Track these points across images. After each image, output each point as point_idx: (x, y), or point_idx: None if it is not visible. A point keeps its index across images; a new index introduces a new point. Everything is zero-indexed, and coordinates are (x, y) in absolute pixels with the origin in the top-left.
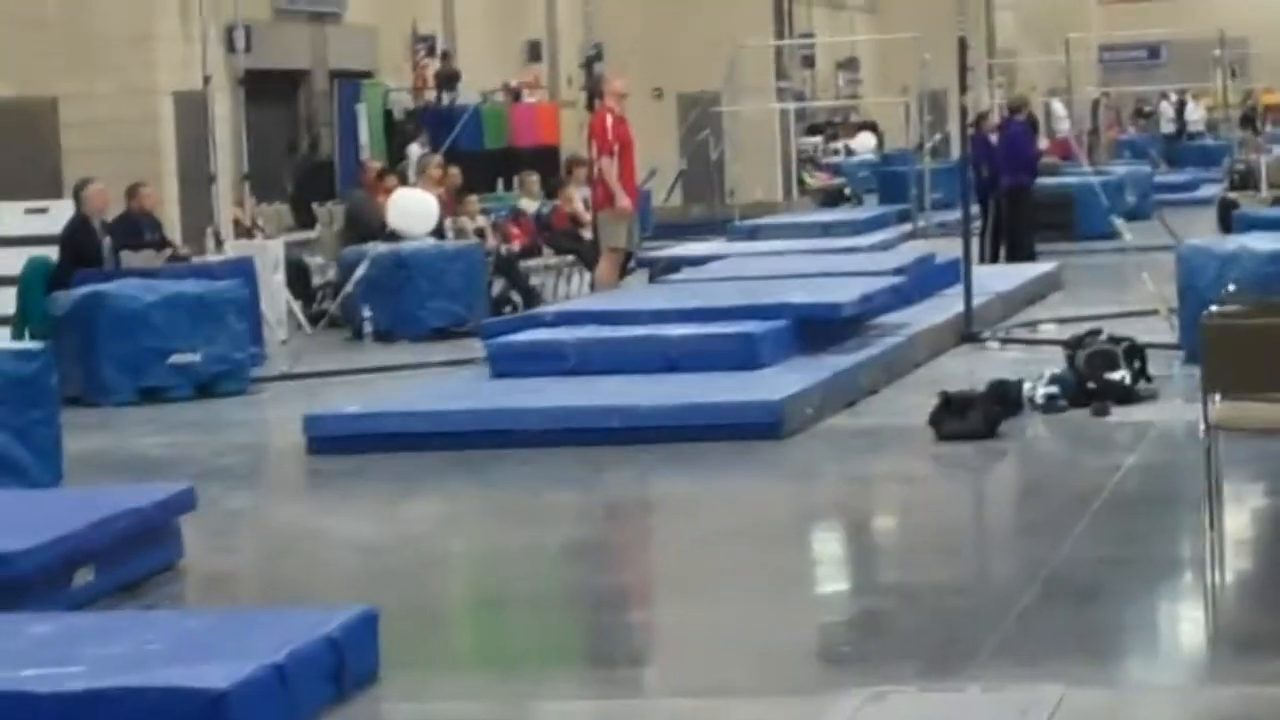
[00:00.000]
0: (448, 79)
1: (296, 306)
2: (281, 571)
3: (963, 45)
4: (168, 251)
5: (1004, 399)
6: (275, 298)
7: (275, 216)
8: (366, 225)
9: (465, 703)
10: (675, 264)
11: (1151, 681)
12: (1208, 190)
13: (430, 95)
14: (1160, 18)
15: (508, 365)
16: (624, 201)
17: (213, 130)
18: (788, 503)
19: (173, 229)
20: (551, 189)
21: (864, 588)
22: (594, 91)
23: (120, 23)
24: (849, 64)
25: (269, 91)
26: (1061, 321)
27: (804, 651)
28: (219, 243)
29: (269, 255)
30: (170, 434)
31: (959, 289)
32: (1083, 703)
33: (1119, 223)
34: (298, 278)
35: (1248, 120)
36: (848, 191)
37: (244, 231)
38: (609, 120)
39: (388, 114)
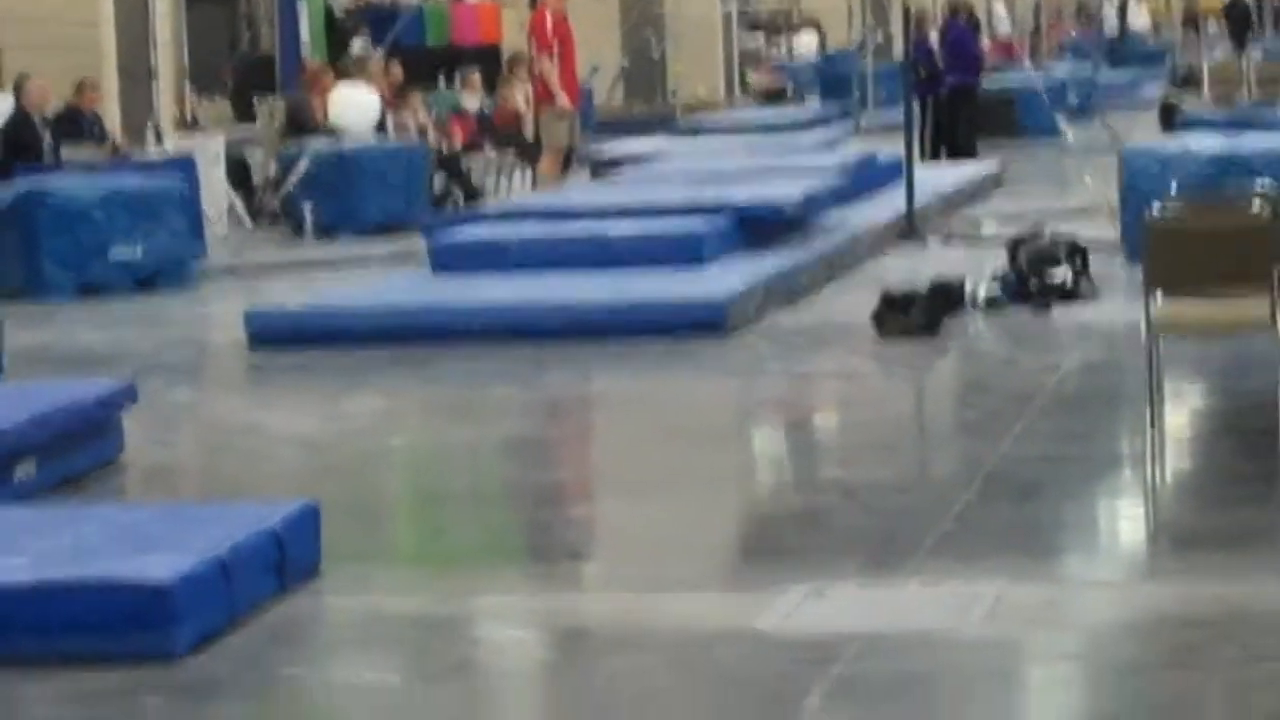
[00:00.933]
0: None
1: (237, 201)
2: (223, 466)
3: None
4: (109, 146)
5: (946, 297)
6: (216, 193)
7: (215, 112)
8: (306, 122)
9: (406, 597)
10: (617, 161)
11: (1090, 578)
12: (1150, 91)
13: None
14: None
15: (449, 261)
16: (564, 101)
17: (154, 27)
18: (729, 400)
19: (114, 124)
20: (493, 86)
21: (804, 484)
22: None
23: None
24: None
25: None
26: (1004, 219)
27: (744, 547)
28: (159, 138)
29: (210, 151)
30: (111, 329)
31: (901, 187)
32: (1021, 599)
33: (1062, 122)
34: (238, 173)
35: (1190, 22)
36: (790, 90)
37: (184, 126)
38: (549, 19)
39: (329, 10)
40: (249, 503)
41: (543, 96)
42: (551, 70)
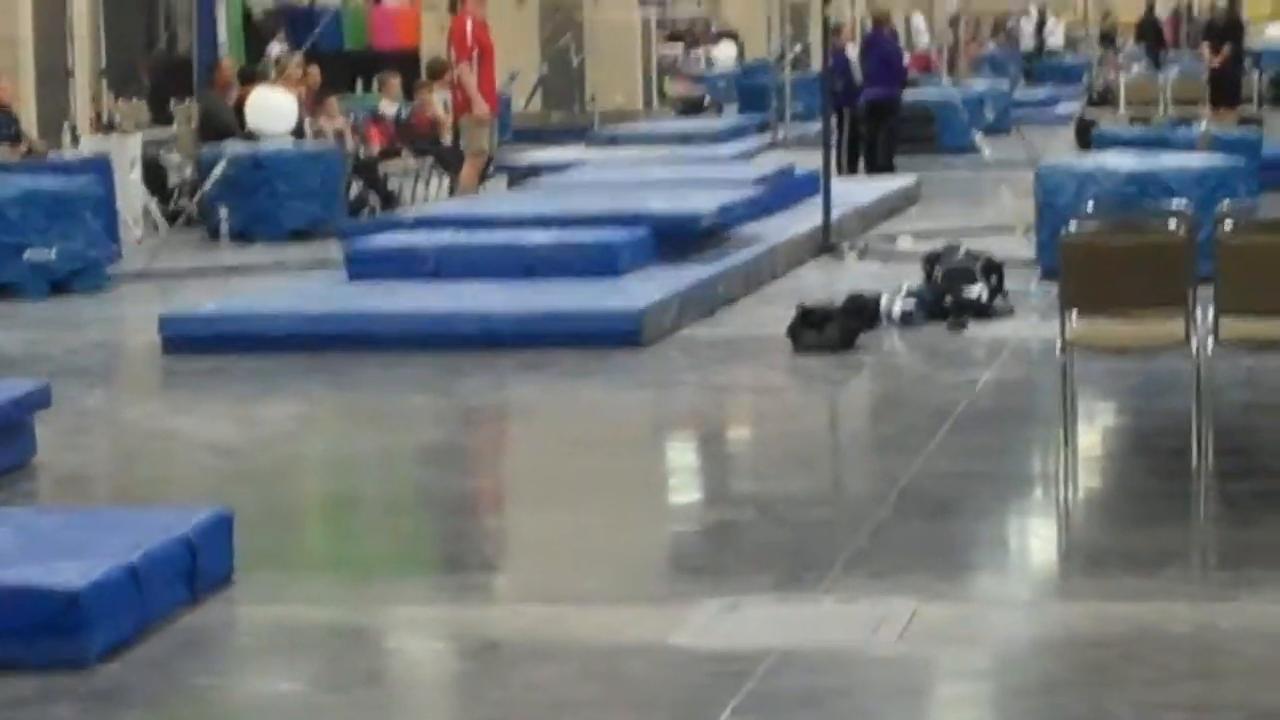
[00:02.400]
0: None
1: (153, 204)
2: (136, 471)
3: None
4: (23, 146)
5: (861, 312)
6: (132, 196)
7: (131, 113)
8: (221, 125)
9: (318, 606)
10: (535, 170)
11: (1004, 596)
12: (1066, 107)
13: None
14: None
15: (365, 268)
16: (482, 108)
17: (71, 25)
18: (645, 412)
19: (29, 124)
20: (412, 91)
21: (719, 498)
22: None
23: None
24: None
25: None
26: (920, 235)
27: (658, 561)
28: (75, 139)
29: (126, 152)
30: (24, 331)
31: (818, 200)
32: (935, 616)
33: (979, 138)
34: (155, 175)
35: (1107, 38)
36: (708, 101)
37: (101, 127)
38: (469, 25)
39: (247, 12)
40: (162, 509)
41: (462, 104)
42: (470, 77)
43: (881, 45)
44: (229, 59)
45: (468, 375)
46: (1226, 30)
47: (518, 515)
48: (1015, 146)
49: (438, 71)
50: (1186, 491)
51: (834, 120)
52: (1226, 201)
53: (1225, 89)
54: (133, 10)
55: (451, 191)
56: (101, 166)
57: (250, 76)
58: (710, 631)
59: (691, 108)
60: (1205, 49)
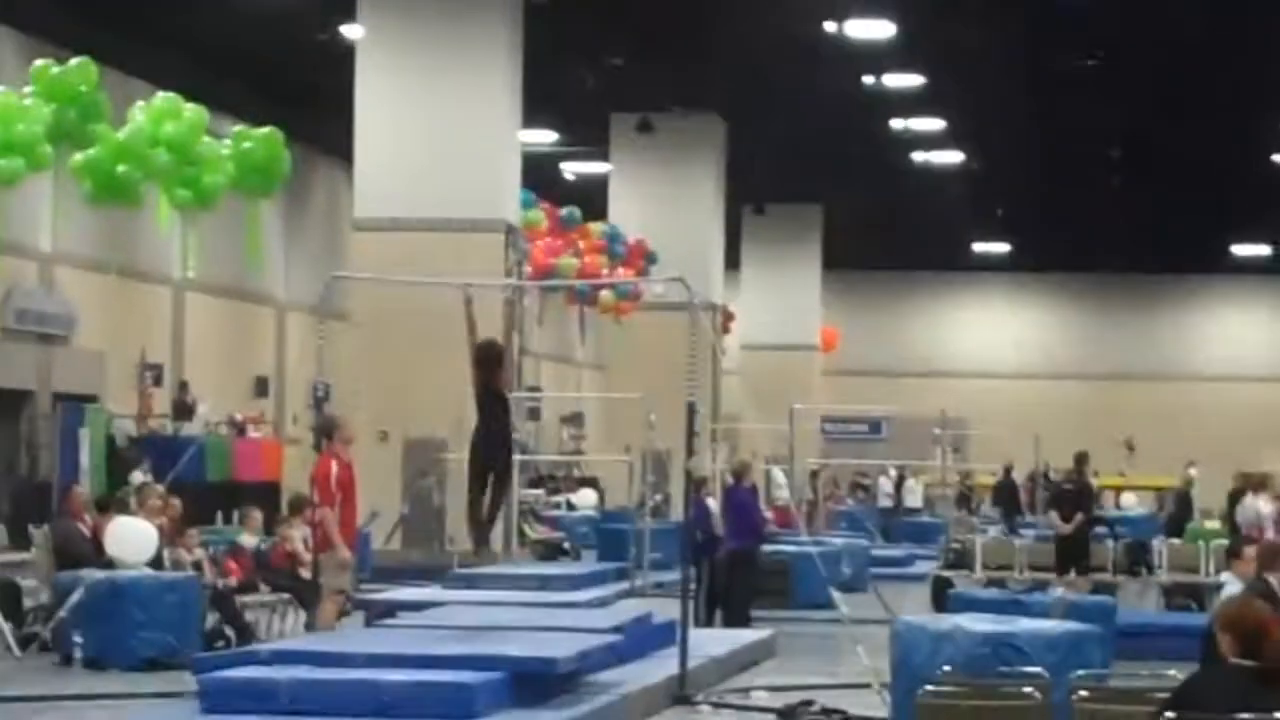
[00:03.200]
0: (185, 409)
1: (7, 629)
2: None
3: (690, 410)
4: None
5: None
6: None
7: None
8: (75, 552)
9: None
10: (392, 608)
11: None
12: (923, 566)
13: (155, 423)
14: (883, 394)
15: (219, 701)
16: (343, 552)
17: None
18: None
19: None
20: (272, 525)
21: None
22: (321, 431)
23: None
24: (574, 419)
25: None
26: (775, 689)
27: None
28: None
29: None
30: None
31: (674, 650)
32: None
33: (835, 594)
34: (9, 599)
35: (964, 499)
36: (567, 546)
37: None
38: (334, 468)
39: (110, 439)
40: None
41: (322, 542)
42: (333, 520)
43: (738, 497)
44: (81, 487)
45: None
46: (1077, 497)
47: None
48: (872, 604)
49: (298, 507)
50: None
51: (693, 570)
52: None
53: (1075, 554)
54: None
55: (309, 627)
56: None
57: (106, 505)
58: None
59: (551, 552)
60: (1054, 516)
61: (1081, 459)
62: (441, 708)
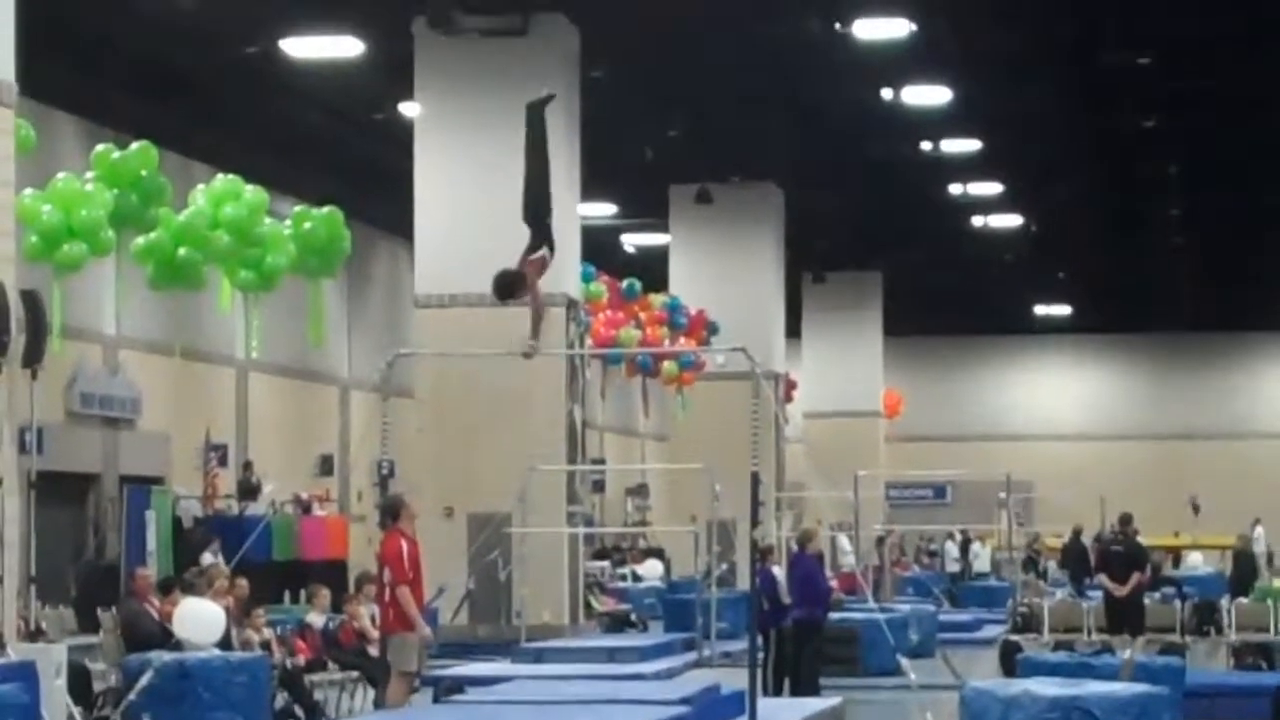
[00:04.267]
0: (249, 489)
1: (77, 713)
2: None
3: (755, 479)
4: None
5: None
6: (56, 704)
7: (58, 620)
8: (143, 634)
9: None
10: (460, 683)
11: None
12: (991, 630)
13: (220, 504)
14: (947, 459)
15: None
16: (426, 632)
17: (1, 532)
18: None
19: None
20: (340, 603)
21: None
22: (387, 511)
23: None
24: (638, 490)
25: (59, 493)
26: None
27: None
28: (2, 645)
29: (52, 659)
30: None
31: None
32: None
33: (903, 661)
34: (79, 682)
35: (1031, 563)
36: (634, 617)
37: (28, 635)
38: (404, 546)
39: (176, 521)
40: None
41: (394, 622)
42: (410, 600)
43: (803, 566)
44: (147, 569)
45: None
46: (1129, 558)
47: None
48: (940, 670)
49: (366, 584)
50: None
51: (761, 639)
52: None
53: (1129, 616)
54: (63, 516)
55: (377, 705)
56: (27, 673)
57: (169, 586)
58: None
59: (617, 624)
60: (1104, 578)
61: (1126, 520)
62: None
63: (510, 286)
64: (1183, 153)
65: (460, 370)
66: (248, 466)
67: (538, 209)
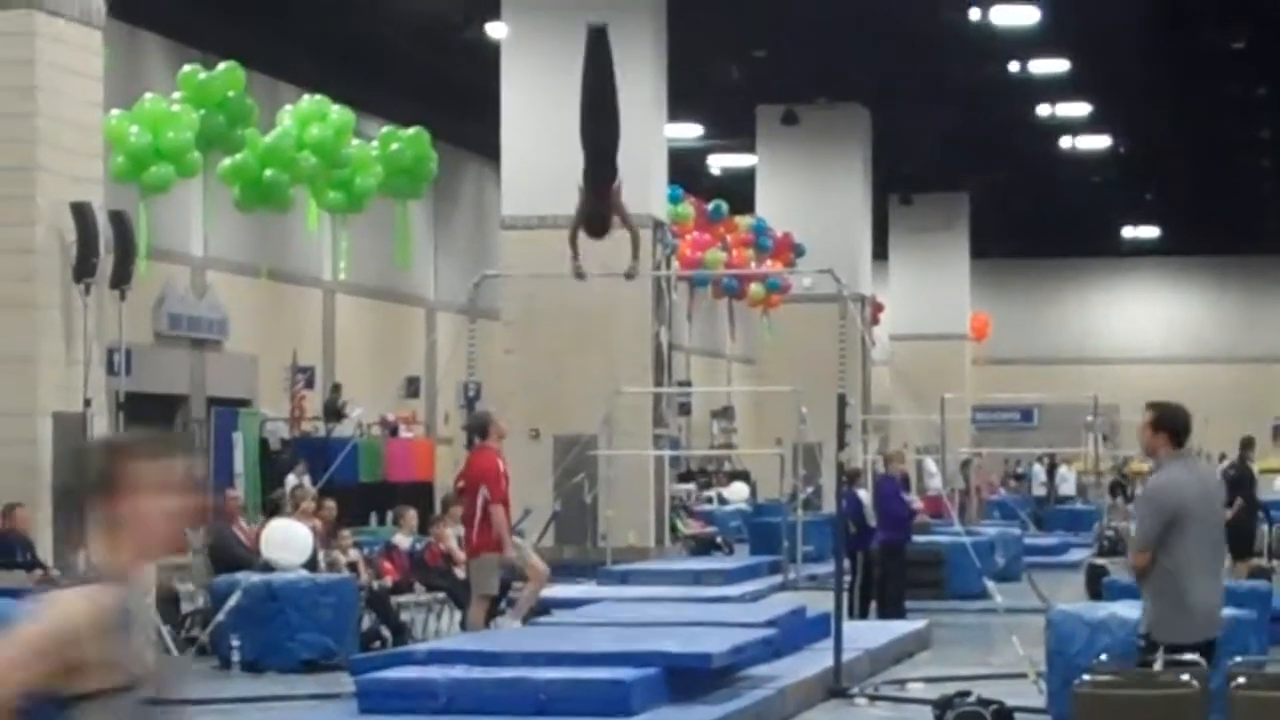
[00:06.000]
0: (336, 411)
1: (166, 632)
2: None
3: (842, 402)
4: (38, 573)
5: None
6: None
7: None
8: (231, 556)
9: None
10: (546, 606)
11: None
12: (1076, 554)
13: (307, 426)
14: (1033, 382)
15: (377, 702)
16: (512, 551)
17: None
18: None
19: (45, 550)
20: (426, 525)
21: None
22: (475, 429)
23: (4, 343)
24: (724, 413)
25: (146, 414)
26: (930, 681)
27: None
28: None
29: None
30: None
31: (829, 643)
32: None
33: (989, 584)
34: (168, 604)
35: (1118, 487)
36: (720, 540)
37: None
38: (500, 464)
39: (263, 442)
40: None
41: (479, 542)
42: (503, 521)
43: (885, 489)
44: (235, 491)
45: None
46: (1238, 482)
47: None
48: (1026, 593)
49: (452, 506)
50: None
51: (847, 562)
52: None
53: (1237, 541)
54: None
55: (464, 626)
56: None
57: (274, 508)
58: None
59: (703, 547)
60: None
61: (1247, 444)
62: (597, 705)
63: (604, 226)
64: (1272, 75)
65: (547, 292)
66: (335, 389)
67: (610, 143)
